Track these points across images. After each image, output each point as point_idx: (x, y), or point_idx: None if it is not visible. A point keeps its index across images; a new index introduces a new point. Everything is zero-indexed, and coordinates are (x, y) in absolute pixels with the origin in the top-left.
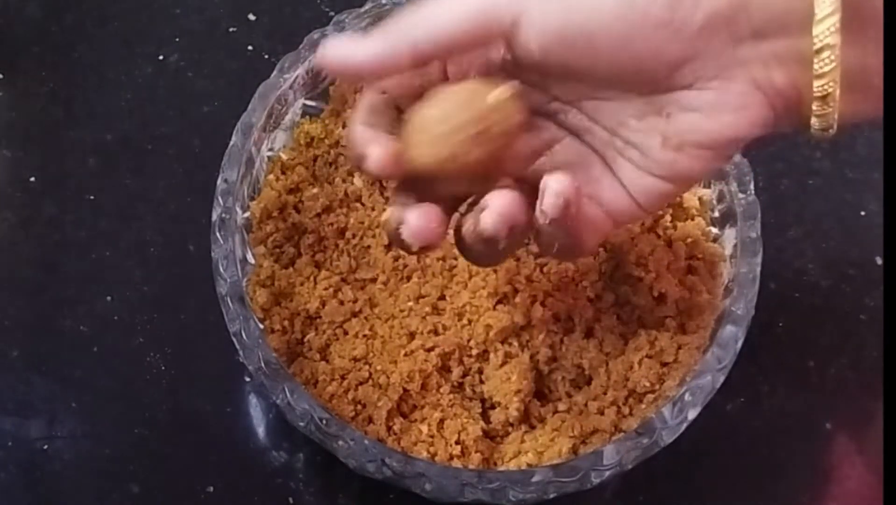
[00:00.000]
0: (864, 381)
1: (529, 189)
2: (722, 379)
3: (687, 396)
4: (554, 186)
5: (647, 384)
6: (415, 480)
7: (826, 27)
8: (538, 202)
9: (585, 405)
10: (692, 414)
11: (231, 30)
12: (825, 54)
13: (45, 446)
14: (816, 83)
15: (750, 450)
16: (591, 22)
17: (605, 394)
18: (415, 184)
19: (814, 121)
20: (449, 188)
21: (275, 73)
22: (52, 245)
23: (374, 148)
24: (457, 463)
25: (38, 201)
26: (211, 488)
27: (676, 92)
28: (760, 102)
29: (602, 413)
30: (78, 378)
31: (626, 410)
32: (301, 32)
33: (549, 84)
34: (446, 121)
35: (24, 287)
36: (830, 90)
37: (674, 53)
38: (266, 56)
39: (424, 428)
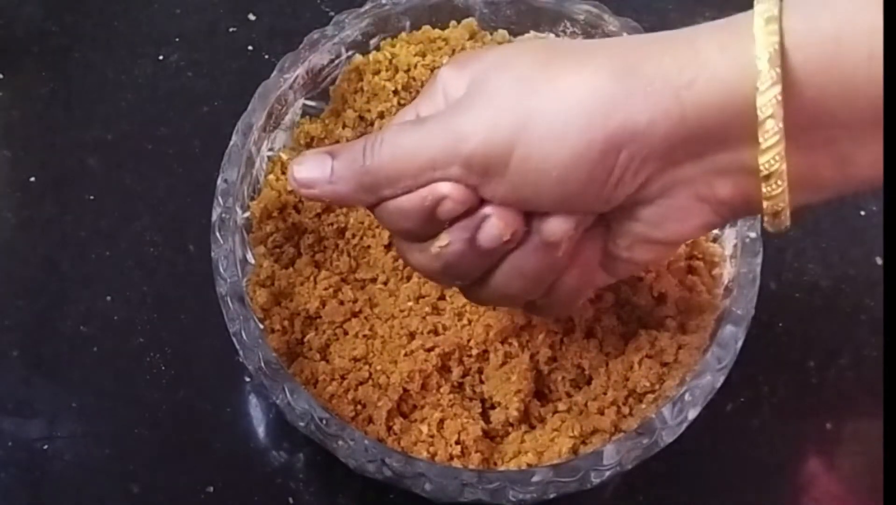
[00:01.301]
0: (864, 381)
1: None
2: (722, 379)
3: (687, 396)
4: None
5: (647, 384)
6: (415, 480)
7: (772, 156)
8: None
9: (585, 405)
10: (692, 414)
11: (231, 30)
12: (773, 180)
13: (45, 446)
14: (766, 203)
15: (750, 450)
16: (538, 195)
17: (605, 394)
18: None
19: (767, 226)
20: None
21: (275, 73)
22: (52, 245)
23: (443, 186)
24: (457, 463)
25: (38, 201)
26: (211, 488)
27: (622, 209)
28: (704, 211)
29: (602, 413)
30: (78, 378)
31: (626, 410)
32: (301, 32)
33: None
34: None
35: (24, 287)
36: (780, 208)
37: (617, 196)
38: (266, 56)
39: (424, 428)
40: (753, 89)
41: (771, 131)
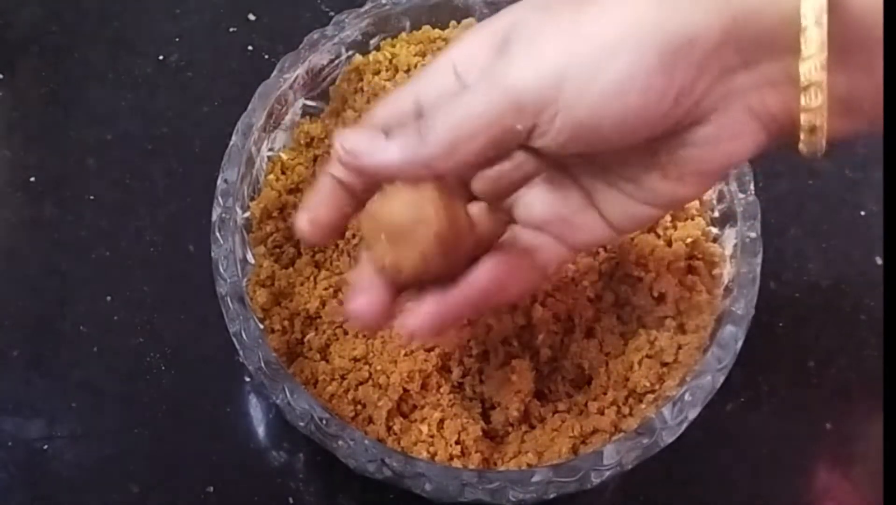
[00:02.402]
0: (864, 381)
1: (506, 218)
2: (722, 379)
3: (687, 396)
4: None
5: (647, 384)
6: (415, 480)
7: (812, 65)
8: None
9: (585, 405)
10: (692, 414)
11: (231, 30)
12: (812, 91)
13: (45, 446)
14: (804, 116)
15: (750, 450)
16: (597, 118)
17: (605, 394)
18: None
19: (802, 147)
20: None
21: (275, 73)
22: (52, 245)
23: (302, 216)
24: (457, 463)
25: (38, 201)
26: (211, 488)
27: (678, 132)
28: (756, 128)
29: (602, 413)
30: (78, 378)
31: (626, 410)
32: (301, 32)
33: None
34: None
35: (24, 287)
36: (818, 123)
37: (676, 112)
38: (266, 56)
39: (424, 428)
40: None
41: (812, 39)
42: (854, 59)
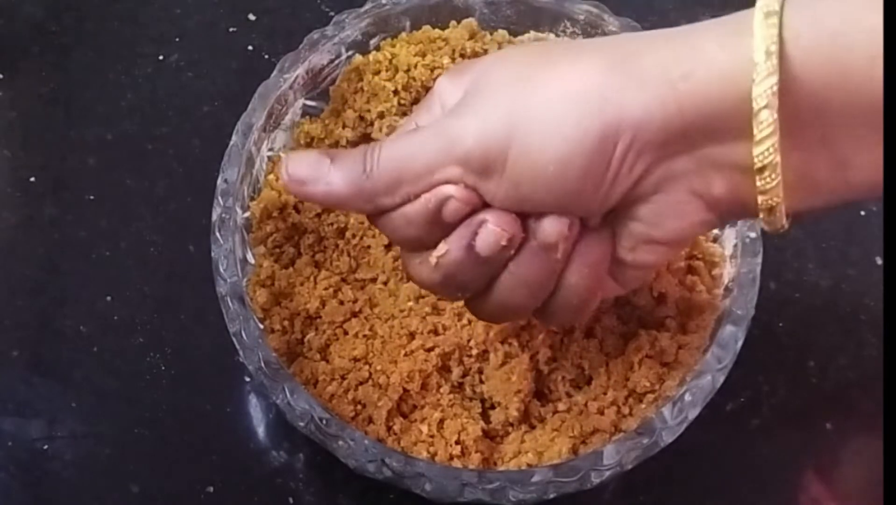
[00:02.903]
0: (864, 381)
1: None
2: (722, 379)
3: (687, 396)
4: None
5: (647, 384)
6: (415, 480)
7: (766, 147)
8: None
9: (585, 405)
10: (692, 414)
11: (231, 30)
12: (767, 173)
13: (45, 446)
14: (761, 198)
15: (750, 450)
16: (535, 193)
17: (605, 394)
18: None
19: (763, 225)
20: None
21: (275, 73)
22: (52, 245)
23: (448, 188)
24: (457, 463)
25: (38, 201)
26: (211, 488)
27: (622, 208)
28: (700, 208)
29: (602, 413)
30: (78, 378)
31: (626, 410)
32: (301, 32)
33: None
34: None
35: (24, 287)
36: (775, 203)
37: (614, 191)
38: (266, 56)
39: (424, 428)
40: (750, 82)
41: (765, 122)
42: (807, 136)
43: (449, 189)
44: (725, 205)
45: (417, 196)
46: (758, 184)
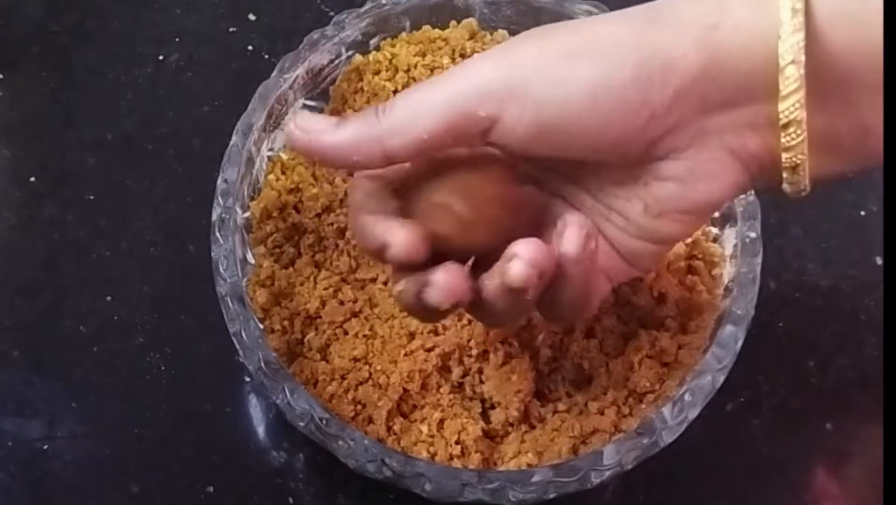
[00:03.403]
0: (864, 381)
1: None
2: (722, 379)
3: (687, 396)
4: (573, 220)
5: (647, 384)
6: (415, 480)
7: (791, 103)
8: (558, 243)
9: (585, 405)
10: (692, 414)
11: (231, 30)
12: (792, 129)
13: (45, 446)
14: (785, 155)
15: (750, 450)
16: (565, 117)
17: (605, 394)
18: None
19: (785, 186)
20: (466, 252)
21: (275, 73)
22: (52, 245)
23: (396, 235)
24: (457, 463)
25: (38, 201)
26: (211, 488)
27: (652, 163)
28: (735, 168)
29: (602, 413)
30: (78, 378)
31: (626, 410)
32: (301, 32)
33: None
34: (465, 192)
35: (24, 287)
36: (799, 161)
37: (648, 133)
38: (266, 56)
39: (424, 428)
40: (776, 39)
41: (791, 78)
42: (833, 98)
43: (394, 236)
44: (759, 162)
45: (433, 138)
46: (782, 140)
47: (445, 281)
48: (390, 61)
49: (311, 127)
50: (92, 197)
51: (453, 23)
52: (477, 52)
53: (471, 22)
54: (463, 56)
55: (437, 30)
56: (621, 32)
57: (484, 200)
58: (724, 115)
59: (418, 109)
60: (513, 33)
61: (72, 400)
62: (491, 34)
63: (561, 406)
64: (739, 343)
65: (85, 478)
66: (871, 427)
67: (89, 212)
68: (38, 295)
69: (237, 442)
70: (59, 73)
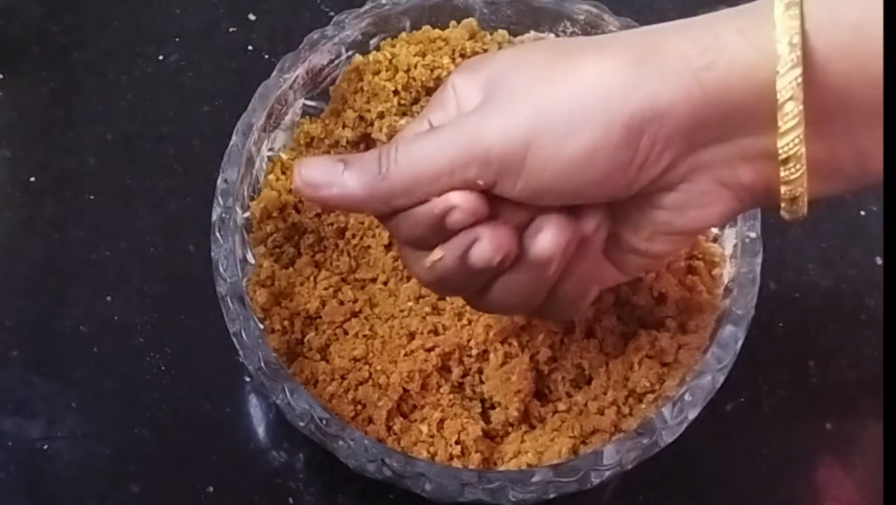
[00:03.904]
0: (864, 381)
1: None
2: (722, 379)
3: (687, 396)
4: (551, 223)
5: (647, 384)
6: (415, 480)
7: (791, 139)
8: (530, 243)
9: (585, 405)
10: (692, 414)
11: (231, 30)
12: (791, 164)
13: (45, 446)
14: (784, 188)
15: (750, 450)
16: (558, 182)
17: (605, 394)
18: None
19: (783, 213)
20: None
21: (275, 73)
22: (52, 245)
23: (455, 197)
24: (457, 463)
25: (38, 201)
26: (211, 488)
27: (644, 195)
28: (726, 197)
29: (602, 413)
30: (78, 378)
31: (626, 410)
32: (301, 32)
33: None
34: None
35: (24, 287)
36: (798, 193)
37: (640, 179)
38: (266, 56)
39: (424, 428)
40: (773, 73)
41: (790, 114)
42: (832, 126)
43: (455, 199)
44: (751, 193)
45: (434, 197)
46: (782, 174)
47: (497, 233)
48: (390, 61)
49: (317, 182)
50: (92, 197)
51: (453, 23)
52: (477, 52)
53: (471, 22)
54: (463, 56)
55: (437, 30)
56: (612, 84)
57: None
58: (716, 149)
59: (421, 174)
60: (513, 33)
61: (72, 400)
62: (491, 34)
63: (561, 406)
64: (739, 343)
65: (85, 478)
66: (871, 427)
67: (89, 212)
68: (38, 295)
69: (237, 442)
70: (59, 73)
